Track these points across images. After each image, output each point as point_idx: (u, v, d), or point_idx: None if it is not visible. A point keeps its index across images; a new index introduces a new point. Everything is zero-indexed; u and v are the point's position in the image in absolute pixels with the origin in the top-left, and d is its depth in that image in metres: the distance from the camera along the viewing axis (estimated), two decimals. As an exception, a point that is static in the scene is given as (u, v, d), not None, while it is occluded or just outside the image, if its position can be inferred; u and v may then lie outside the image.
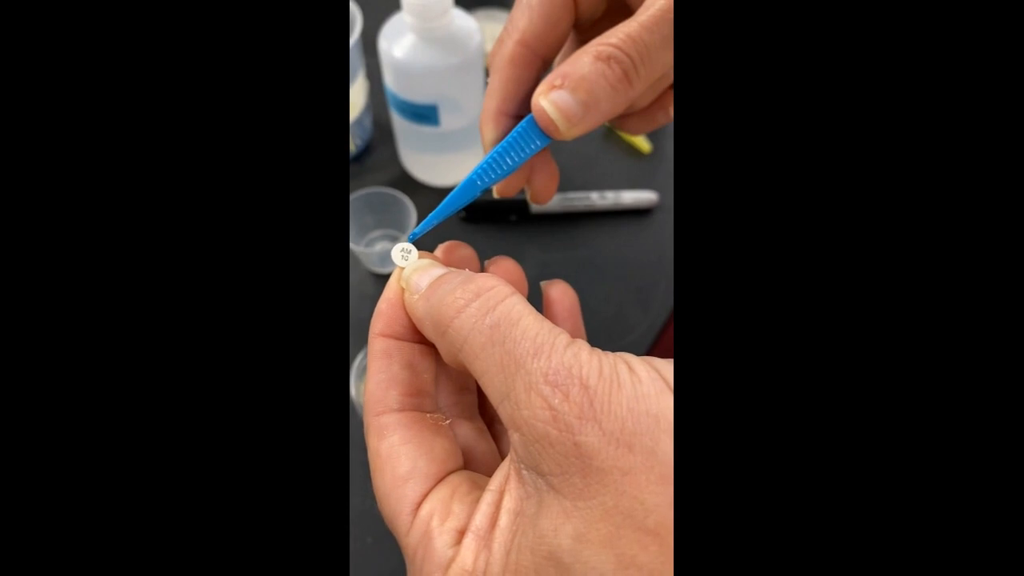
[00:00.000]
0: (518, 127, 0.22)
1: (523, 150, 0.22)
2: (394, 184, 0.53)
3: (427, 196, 0.53)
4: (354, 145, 0.56)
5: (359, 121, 0.54)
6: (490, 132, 0.23)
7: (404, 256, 0.23)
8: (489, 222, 0.54)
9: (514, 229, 0.54)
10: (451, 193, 0.23)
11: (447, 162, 0.53)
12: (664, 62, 0.21)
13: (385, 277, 0.51)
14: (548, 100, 0.21)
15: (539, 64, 0.23)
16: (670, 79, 0.23)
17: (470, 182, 0.23)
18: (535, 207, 0.53)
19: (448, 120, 0.48)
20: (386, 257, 0.50)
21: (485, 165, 0.23)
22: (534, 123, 0.22)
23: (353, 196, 0.48)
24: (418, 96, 0.47)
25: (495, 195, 0.25)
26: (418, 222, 0.46)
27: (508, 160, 0.23)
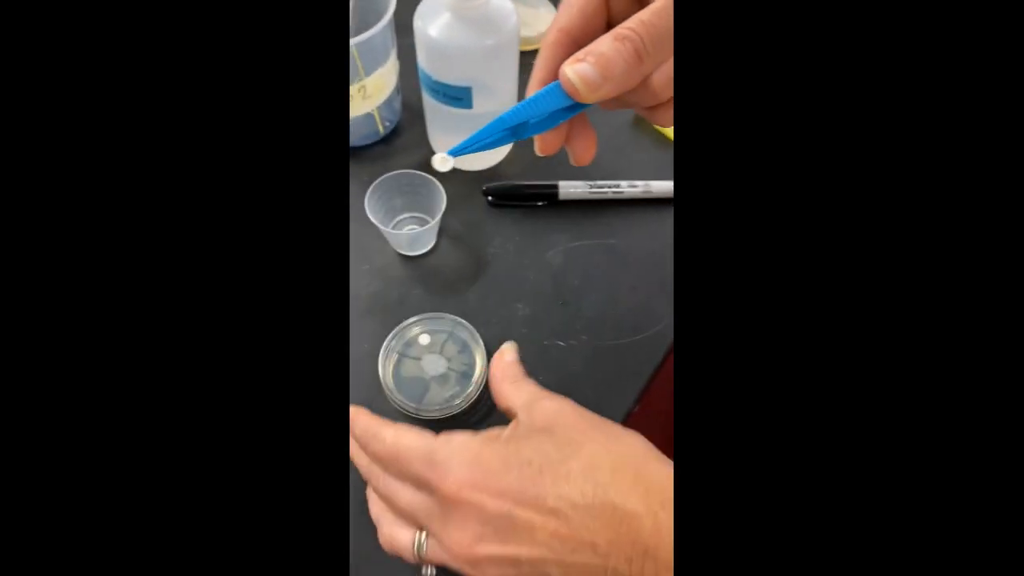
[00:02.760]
0: (546, 87, 0.28)
1: (545, 104, 0.27)
2: (422, 166, 0.52)
3: (455, 179, 0.53)
4: (382, 127, 0.56)
5: (388, 102, 0.54)
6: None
7: (443, 161, 0.30)
8: (516, 207, 0.53)
9: (541, 215, 0.53)
10: (484, 127, 0.28)
11: (477, 146, 0.53)
12: (670, 46, 0.26)
13: (412, 259, 0.51)
14: (572, 69, 0.27)
15: (575, 48, 0.28)
16: None
17: (500, 119, 0.28)
18: (564, 193, 0.53)
19: (481, 103, 0.48)
20: (414, 240, 0.49)
21: (514, 108, 0.28)
22: (559, 86, 0.27)
23: (382, 178, 0.48)
24: (452, 77, 0.46)
25: (537, 152, 0.31)
26: (448, 206, 0.46)
27: (532, 109, 0.28)
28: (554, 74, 0.28)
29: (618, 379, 0.46)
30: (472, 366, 0.44)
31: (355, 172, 0.55)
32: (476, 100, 0.48)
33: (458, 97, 0.47)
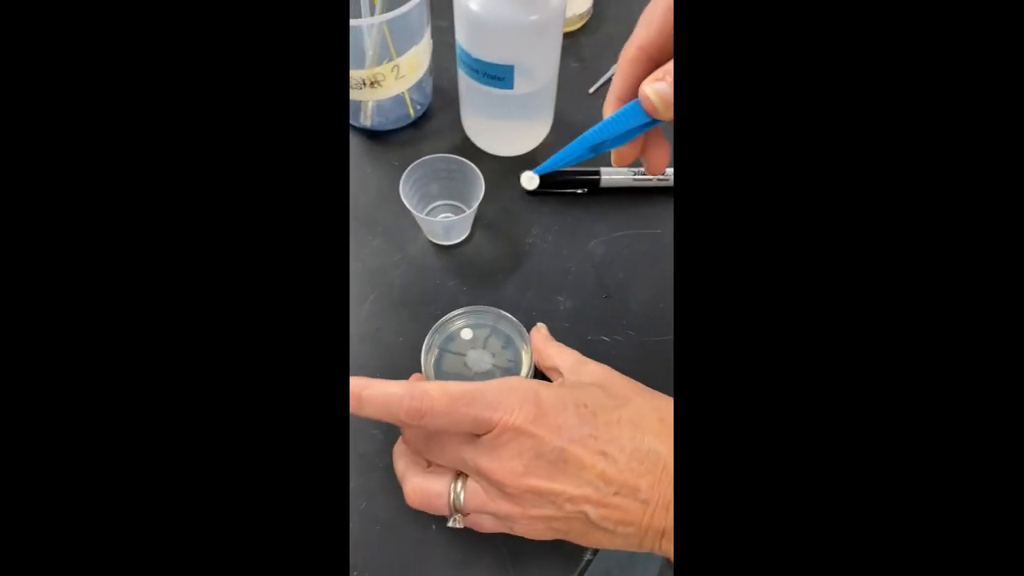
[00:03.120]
0: (626, 106, 0.29)
1: (626, 122, 0.29)
2: (453, 152, 0.50)
3: (490, 165, 0.50)
4: (413, 110, 0.53)
5: (420, 85, 0.52)
6: (609, 113, 0.30)
7: (530, 179, 0.33)
8: (556, 195, 0.51)
9: (582, 203, 0.51)
10: (569, 145, 0.30)
11: (514, 129, 0.50)
12: None
13: (446, 249, 0.48)
14: (651, 88, 0.28)
15: (652, 66, 0.29)
16: None
17: (583, 138, 0.29)
18: (606, 181, 0.50)
19: (522, 83, 0.45)
20: (450, 228, 0.47)
21: (597, 127, 0.29)
22: (639, 104, 0.28)
23: (418, 162, 0.45)
24: (493, 55, 0.43)
25: (614, 164, 0.32)
26: (485, 192, 0.44)
27: (614, 128, 0.29)
28: (633, 91, 0.29)
29: (667, 377, 0.43)
30: (518, 363, 0.41)
31: (384, 157, 0.53)
32: (517, 81, 0.45)
33: (499, 77, 0.45)
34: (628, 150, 0.32)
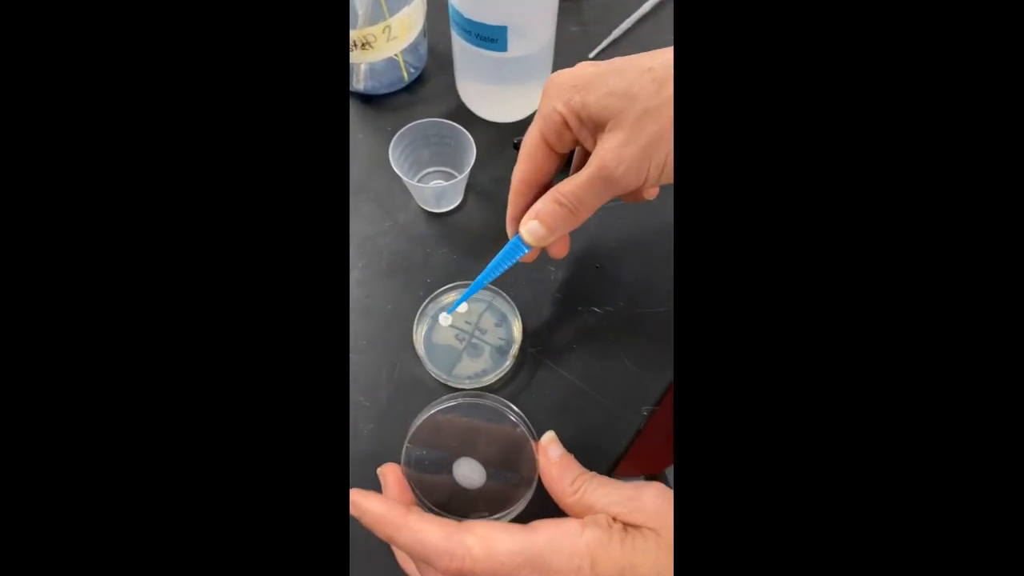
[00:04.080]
0: (511, 241, 0.36)
1: (516, 254, 0.36)
2: (448, 117, 0.49)
3: (483, 132, 0.49)
4: (407, 73, 0.52)
5: (414, 47, 0.50)
6: (512, 231, 0.36)
7: (446, 319, 0.40)
8: (550, 163, 0.50)
9: (577, 172, 0.50)
10: (477, 278, 0.37)
11: (509, 93, 0.49)
12: (595, 203, 0.33)
13: (438, 217, 0.47)
14: (525, 230, 0.34)
15: (538, 191, 0.35)
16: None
17: (489, 269, 0.37)
18: (602, 149, 0.49)
19: (516, 45, 0.44)
20: (441, 195, 0.46)
21: (495, 261, 0.36)
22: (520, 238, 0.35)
23: (408, 126, 0.44)
24: (487, 16, 0.42)
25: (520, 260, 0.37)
26: (475, 160, 0.44)
27: (508, 259, 0.36)
28: (522, 214, 0.35)
29: (658, 349, 0.43)
30: (509, 341, 0.41)
31: (377, 122, 0.52)
32: (511, 42, 0.44)
33: (492, 38, 0.43)
34: (531, 253, 0.36)
